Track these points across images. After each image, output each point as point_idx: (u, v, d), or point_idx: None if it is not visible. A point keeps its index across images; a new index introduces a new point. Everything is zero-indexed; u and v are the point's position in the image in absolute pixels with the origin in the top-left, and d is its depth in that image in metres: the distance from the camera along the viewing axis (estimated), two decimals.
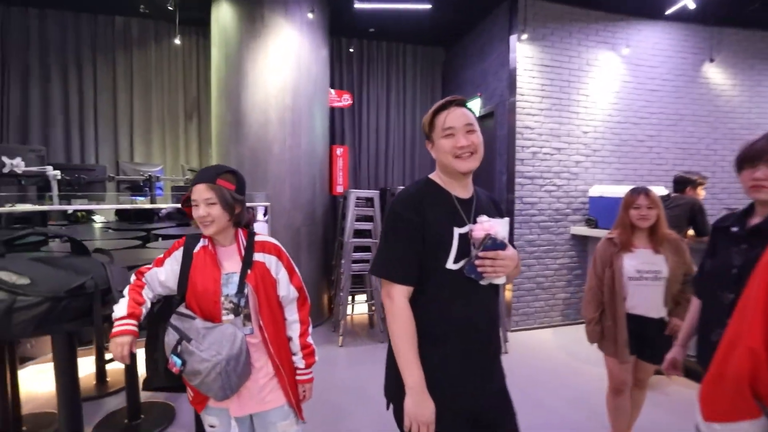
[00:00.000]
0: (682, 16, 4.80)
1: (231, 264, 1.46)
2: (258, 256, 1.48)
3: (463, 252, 1.21)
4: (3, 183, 3.36)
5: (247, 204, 4.22)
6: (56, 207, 3.31)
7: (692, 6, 4.38)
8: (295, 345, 1.55)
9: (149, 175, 3.79)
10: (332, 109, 5.45)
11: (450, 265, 1.20)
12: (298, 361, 1.56)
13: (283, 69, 4.23)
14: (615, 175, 4.83)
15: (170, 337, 1.36)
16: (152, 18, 5.21)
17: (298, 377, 1.57)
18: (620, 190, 4.33)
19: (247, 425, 1.53)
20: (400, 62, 6.03)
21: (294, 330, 1.55)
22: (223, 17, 4.31)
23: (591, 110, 4.69)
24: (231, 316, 1.42)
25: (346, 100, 5.43)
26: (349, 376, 3.40)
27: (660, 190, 3.83)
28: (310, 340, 1.59)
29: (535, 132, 4.52)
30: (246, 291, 1.42)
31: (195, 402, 1.47)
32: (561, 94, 4.57)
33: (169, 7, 4.35)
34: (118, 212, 5.03)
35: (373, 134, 5.95)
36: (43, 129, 4.97)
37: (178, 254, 1.46)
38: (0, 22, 4.83)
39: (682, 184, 3.52)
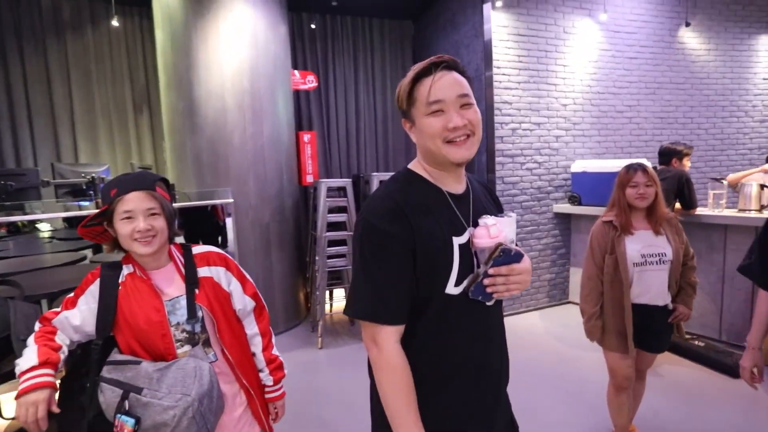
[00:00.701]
0: None
1: (172, 287, 1.23)
2: (203, 271, 1.27)
3: (466, 268, 0.92)
4: None
5: (209, 202, 3.67)
6: None
7: None
8: (260, 361, 1.39)
9: (92, 177, 3.34)
10: (297, 93, 5.04)
11: (450, 289, 0.91)
12: (265, 378, 1.40)
13: (238, 49, 3.80)
14: (596, 148, 4.65)
15: (108, 395, 1.09)
16: None
17: (267, 395, 1.41)
18: (603, 165, 4.14)
19: None
20: (366, 38, 5.63)
21: (256, 345, 1.39)
22: None
23: (569, 81, 4.46)
24: (187, 347, 1.21)
25: (310, 81, 5.02)
26: (330, 382, 3.15)
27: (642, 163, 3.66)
28: (275, 352, 1.43)
29: (513, 107, 4.26)
30: (200, 314, 1.23)
31: None
32: (538, 65, 4.31)
33: None
34: (66, 219, 4.54)
35: (342, 117, 5.58)
36: None
37: (94, 290, 1.18)
38: None
39: (667, 155, 3.35)
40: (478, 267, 0.93)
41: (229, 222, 3.67)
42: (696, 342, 3.25)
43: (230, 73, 3.79)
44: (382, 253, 0.88)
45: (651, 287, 1.99)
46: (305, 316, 4.55)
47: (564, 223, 4.60)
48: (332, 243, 3.87)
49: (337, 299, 4.75)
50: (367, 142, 5.71)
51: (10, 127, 4.52)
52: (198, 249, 1.31)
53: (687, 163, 3.43)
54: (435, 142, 0.90)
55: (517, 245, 0.98)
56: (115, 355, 1.16)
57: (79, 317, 1.15)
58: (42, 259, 3.03)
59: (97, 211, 1.18)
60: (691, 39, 4.96)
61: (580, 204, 4.29)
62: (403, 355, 0.90)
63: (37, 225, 4.38)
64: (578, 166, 4.36)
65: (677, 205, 3.31)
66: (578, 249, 4.56)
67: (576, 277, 4.57)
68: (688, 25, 4.86)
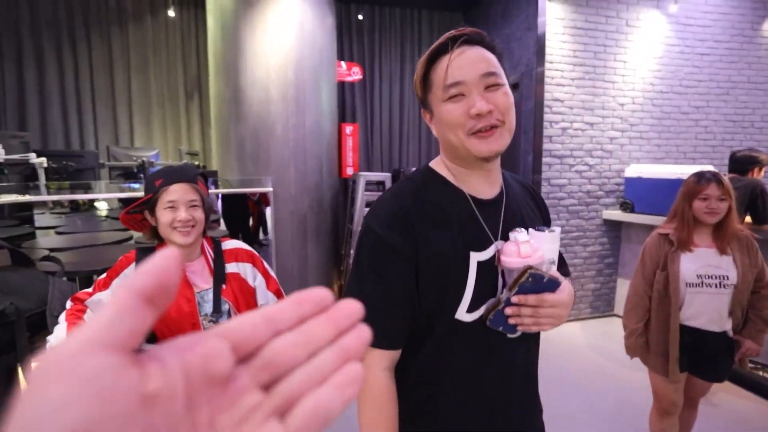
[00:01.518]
0: None
1: (201, 280, 1.27)
2: (231, 267, 1.31)
3: (485, 291, 0.77)
4: None
5: (250, 189, 3.72)
6: (41, 198, 3.05)
7: None
8: None
9: (142, 161, 3.48)
10: (341, 84, 5.01)
11: (462, 314, 0.76)
12: None
13: (284, 40, 3.80)
14: (654, 152, 4.29)
15: None
16: None
17: None
18: (661, 170, 3.81)
19: None
20: (414, 30, 5.50)
21: None
22: None
23: (629, 79, 4.12)
24: None
25: (355, 73, 4.97)
26: None
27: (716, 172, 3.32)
28: None
29: (565, 105, 4.01)
30: (225, 308, 1.27)
31: None
32: (595, 61, 4.02)
33: None
34: (121, 200, 4.78)
35: (386, 111, 5.50)
36: (41, 114, 4.70)
37: (129, 273, 1.22)
38: None
39: (746, 163, 2.99)
40: (503, 291, 0.78)
41: (268, 211, 3.71)
42: (761, 372, 2.93)
43: (275, 63, 3.80)
44: (380, 266, 0.76)
45: (704, 312, 1.78)
46: None
47: (614, 231, 4.29)
48: None
49: None
50: (411, 137, 5.60)
51: (77, 110, 4.81)
52: (227, 244, 1.35)
53: (762, 174, 3.07)
54: (456, 133, 0.75)
55: (563, 262, 0.89)
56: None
57: None
58: (93, 236, 3.19)
59: (142, 198, 1.22)
60: None
61: (632, 211, 3.98)
62: (391, 384, 0.77)
63: (95, 204, 4.65)
64: (633, 170, 4.04)
65: (747, 218, 2.98)
66: (627, 259, 4.25)
67: (623, 288, 4.26)
68: None
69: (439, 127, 0.79)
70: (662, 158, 4.32)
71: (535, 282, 0.71)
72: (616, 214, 4.14)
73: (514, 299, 0.72)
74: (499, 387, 0.81)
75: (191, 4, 5.05)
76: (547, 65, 3.90)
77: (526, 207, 0.88)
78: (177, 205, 1.19)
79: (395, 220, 0.76)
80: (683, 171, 3.39)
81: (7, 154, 3.01)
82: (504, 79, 0.75)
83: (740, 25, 4.33)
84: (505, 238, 0.78)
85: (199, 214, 1.22)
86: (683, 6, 4.13)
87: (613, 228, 4.29)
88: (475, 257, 0.76)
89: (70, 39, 4.74)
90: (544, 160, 4.01)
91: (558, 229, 0.80)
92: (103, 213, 4.71)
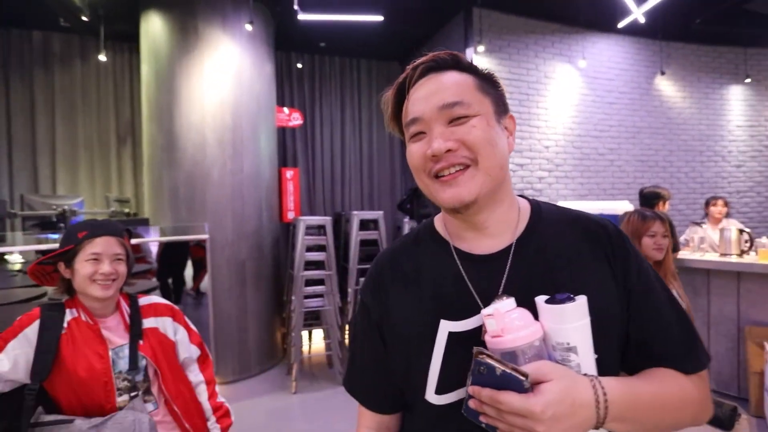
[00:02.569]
0: (634, 30, 4.73)
1: (116, 335, 1.23)
2: (149, 322, 1.29)
3: (460, 369, 0.57)
4: None
5: (184, 237, 3.53)
6: None
7: (642, 20, 4.29)
8: (207, 409, 1.36)
9: (63, 209, 3.20)
10: (282, 129, 5.02)
11: (431, 396, 0.61)
12: (212, 426, 1.35)
13: (221, 85, 3.78)
14: (579, 189, 4.64)
15: None
16: (76, 32, 4.63)
17: None
18: (586, 206, 4.10)
19: None
20: (354, 78, 5.70)
21: (201, 393, 1.37)
22: (152, 30, 3.83)
23: (551, 123, 4.49)
24: (126, 396, 1.20)
25: (296, 119, 5.01)
26: (302, 431, 2.91)
27: (625, 205, 3.62)
28: (221, 399, 1.41)
29: None
30: (143, 363, 1.24)
31: None
32: (521, 108, 4.35)
33: (84, 18, 3.82)
34: (39, 252, 4.33)
35: (327, 155, 5.55)
36: None
37: (30, 333, 1.13)
38: None
39: (652, 198, 3.31)
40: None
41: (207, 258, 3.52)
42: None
43: (212, 108, 3.75)
44: (361, 329, 0.72)
45: None
46: (281, 358, 4.32)
47: None
48: (310, 282, 3.71)
49: (317, 340, 4.53)
50: (352, 180, 5.65)
51: None
52: (144, 300, 1.33)
53: (667, 206, 3.41)
54: (420, 178, 0.63)
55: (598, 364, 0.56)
56: (43, 417, 1.09)
57: (8, 363, 1.08)
58: (3, 294, 2.83)
59: (59, 249, 1.17)
60: (667, 87, 5.08)
61: None
62: None
63: (6, 257, 4.18)
64: None
65: None
66: None
67: None
68: (663, 73, 5.00)
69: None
70: (586, 195, 4.66)
71: (488, 374, 0.50)
72: None
73: (469, 389, 0.53)
74: None
75: (125, 49, 4.92)
76: None
77: (565, 263, 0.61)
78: (101, 258, 1.17)
79: (371, 280, 0.71)
80: (604, 206, 3.67)
81: None
82: (478, 108, 0.59)
83: (638, 79, 4.92)
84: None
85: (123, 269, 1.22)
86: (590, 62, 4.64)
87: None
88: (447, 327, 0.60)
89: None
90: None
91: (582, 299, 0.54)
92: (16, 267, 4.24)
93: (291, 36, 4.76)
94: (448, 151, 0.58)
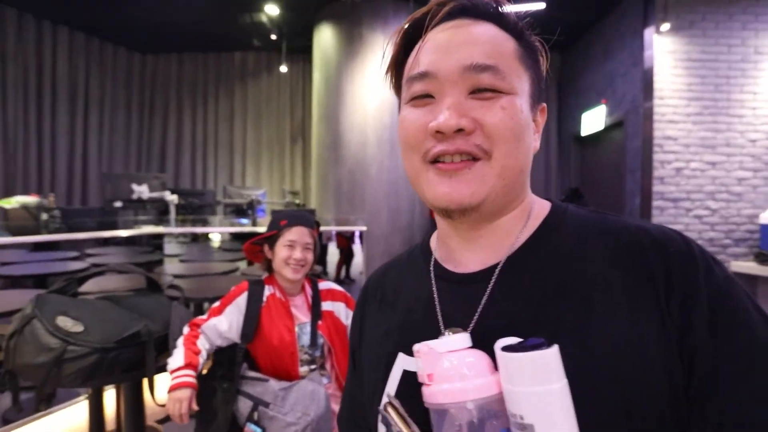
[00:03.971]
0: None
1: (300, 314, 1.36)
2: (326, 305, 1.40)
3: (414, 411, 0.40)
4: (133, 207, 3.65)
5: (345, 228, 3.82)
6: (170, 229, 3.46)
7: None
8: None
9: (251, 199, 3.82)
10: None
11: None
12: None
13: (381, 86, 4.00)
14: None
15: (242, 405, 1.24)
16: (264, 50, 5.45)
17: None
18: None
19: None
20: None
21: None
22: (324, 40, 4.26)
23: (760, 111, 3.60)
24: (306, 368, 1.32)
25: None
26: None
27: None
28: None
29: (679, 143, 3.60)
30: (320, 342, 1.34)
31: None
32: (717, 94, 3.58)
33: (273, 37, 4.44)
34: (231, 233, 5.27)
35: None
36: (175, 158, 5.48)
37: (241, 302, 1.32)
38: (153, 70, 5.47)
39: None
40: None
41: (357, 249, 3.80)
42: None
43: (372, 109, 3.99)
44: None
45: None
46: None
47: (747, 286, 3.64)
48: None
49: None
50: None
51: (202, 155, 5.51)
52: (324, 285, 1.44)
53: None
54: (409, 157, 0.45)
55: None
56: (247, 372, 1.29)
57: (225, 324, 1.29)
58: (206, 266, 3.52)
59: (266, 233, 1.35)
60: None
61: None
62: None
63: (209, 235, 5.19)
64: None
65: None
66: None
67: None
68: None
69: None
70: None
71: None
72: (750, 267, 3.51)
73: None
74: None
75: (300, 59, 5.60)
76: (656, 101, 3.57)
77: (575, 295, 0.40)
78: (295, 245, 1.30)
79: (360, 298, 0.59)
80: None
81: (150, 192, 3.50)
82: (514, 84, 0.42)
83: None
84: (481, 340, 0.39)
85: (310, 257, 1.33)
86: None
87: (747, 282, 3.63)
88: (403, 363, 0.46)
89: (203, 95, 5.52)
90: (655, 203, 3.59)
91: (548, 351, 0.32)
92: (216, 244, 5.22)
93: None
94: (460, 130, 0.40)
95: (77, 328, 1.25)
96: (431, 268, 0.49)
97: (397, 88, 0.48)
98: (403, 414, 0.36)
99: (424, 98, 0.43)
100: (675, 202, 3.61)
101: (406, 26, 0.45)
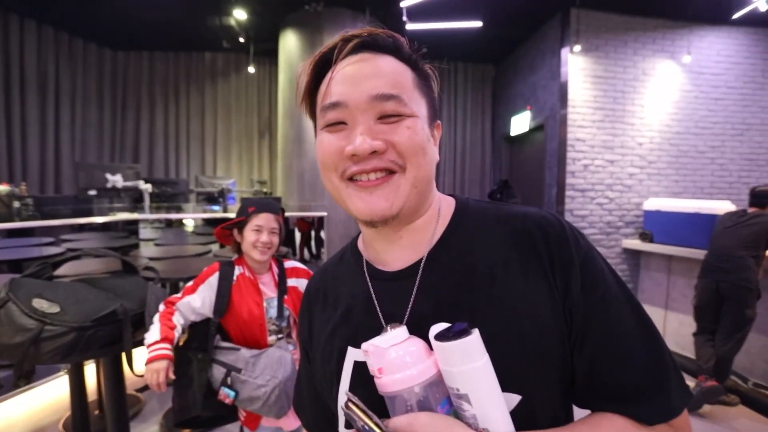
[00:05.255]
0: (751, 21, 3.88)
1: (268, 290, 1.36)
2: (291, 282, 1.40)
3: (367, 402, 0.39)
4: (107, 195, 3.38)
5: (306, 213, 3.80)
6: (145, 216, 3.25)
7: (763, 8, 3.49)
8: None
9: (222, 188, 3.66)
10: None
11: (342, 430, 0.48)
12: None
13: None
14: (672, 187, 4.02)
15: (216, 371, 1.24)
16: (233, 51, 5.17)
17: None
18: (680, 204, 3.55)
19: None
20: (451, 80, 5.55)
21: None
22: (288, 45, 4.13)
23: (646, 121, 3.93)
24: (274, 337, 1.33)
25: None
26: None
27: (726, 205, 3.05)
28: None
29: (586, 144, 3.85)
30: (287, 314, 1.35)
31: (248, 422, 1.33)
32: (615, 105, 3.86)
33: (241, 39, 4.23)
34: (204, 219, 5.03)
35: None
36: (149, 150, 5.11)
37: (213, 281, 1.30)
38: (124, 66, 5.03)
39: (765, 197, 2.72)
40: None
41: (322, 234, 3.76)
42: None
43: None
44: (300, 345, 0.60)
45: None
46: None
47: (633, 259, 4.01)
48: None
49: None
50: (446, 173, 5.57)
51: (175, 147, 5.19)
52: (288, 264, 1.43)
53: None
54: (329, 177, 0.45)
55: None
56: (220, 342, 1.29)
57: (199, 301, 1.27)
58: (181, 248, 3.35)
59: (235, 219, 1.34)
60: None
61: (651, 241, 3.71)
62: None
63: (183, 221, 4.92)
64: (652, 203, 3.78)
65: (767, 252, 2.69)
66: (647, 286, 3.93)
67: None
68: None
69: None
70: (680, 193, 4.03)
71: (358, 426, 0.37)
72: (635, 244, 3.87)
73: None
74: None
75: (267, 61, 5.38)
76: (569, 109, 3.79)
77: (486, 278, 0.43)
78: (262, 230, 1.29)
79: (303, 300, 0.58)
80: (701, 206, 3.14)
81: (124, 181, 3.26)
82: (415, 108, 0.43)
83: (752, 72, 4.05)
84: (417, 326, 0.42)
85: (276, 240, 1.33)
86: (696, 57, 3.93)
87: (633, 256, 4.00)
88: (353, 356, 0.46)
89: (174, 92, 5.17)
90: (567, 193, 3.85)
91: (470, 337, 0.36)
92: (190, 229, 4.98)
93: None
94: (374, 152, 0.41)
95: (53, 309, 1.17)
96: (365, 269, 0.50)
97: (312, 113, 0.48)
98: (363, 408, 0.37)
99: (337, 125, 0.43)
100: (582, 192, 3.88)
101: (316, 59, 0.46)
